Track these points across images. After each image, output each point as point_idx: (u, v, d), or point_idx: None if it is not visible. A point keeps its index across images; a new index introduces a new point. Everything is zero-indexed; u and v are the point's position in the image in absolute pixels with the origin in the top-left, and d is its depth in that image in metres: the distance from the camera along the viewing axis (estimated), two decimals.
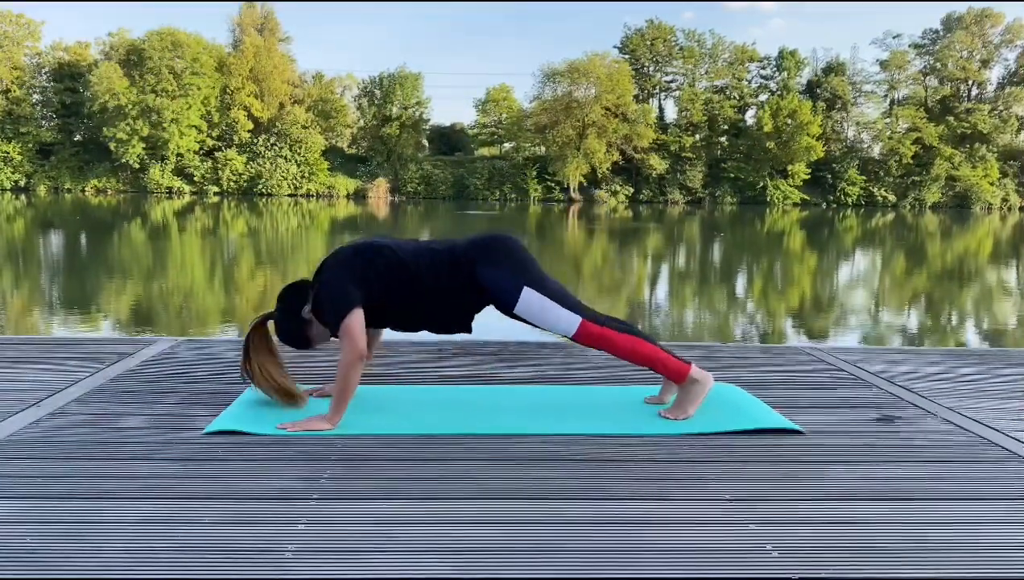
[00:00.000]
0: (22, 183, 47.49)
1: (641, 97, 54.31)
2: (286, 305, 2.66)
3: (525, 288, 2.58)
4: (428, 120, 55.13)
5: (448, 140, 57.02)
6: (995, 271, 16.99)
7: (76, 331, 7.69)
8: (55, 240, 19.51)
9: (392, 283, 2.57)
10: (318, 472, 2.10)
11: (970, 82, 54.31)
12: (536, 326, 2.64)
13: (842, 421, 2.69)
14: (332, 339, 2.68)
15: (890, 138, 52.66)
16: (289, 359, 3.45)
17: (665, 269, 16.37)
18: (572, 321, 2.58)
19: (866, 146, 54.81)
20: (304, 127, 49.89)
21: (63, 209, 32.31)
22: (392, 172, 51.34)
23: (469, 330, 2.74)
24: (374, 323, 2.68)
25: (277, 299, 2.69)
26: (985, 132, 52.18)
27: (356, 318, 2.49)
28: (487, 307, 2.71)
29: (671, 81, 55.93)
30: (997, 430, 2.61)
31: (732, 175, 52.09)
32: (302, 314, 2.63)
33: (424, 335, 3.46)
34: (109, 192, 47.52)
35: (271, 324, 2.70)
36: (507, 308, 2.62)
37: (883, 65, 54.38)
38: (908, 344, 8.14)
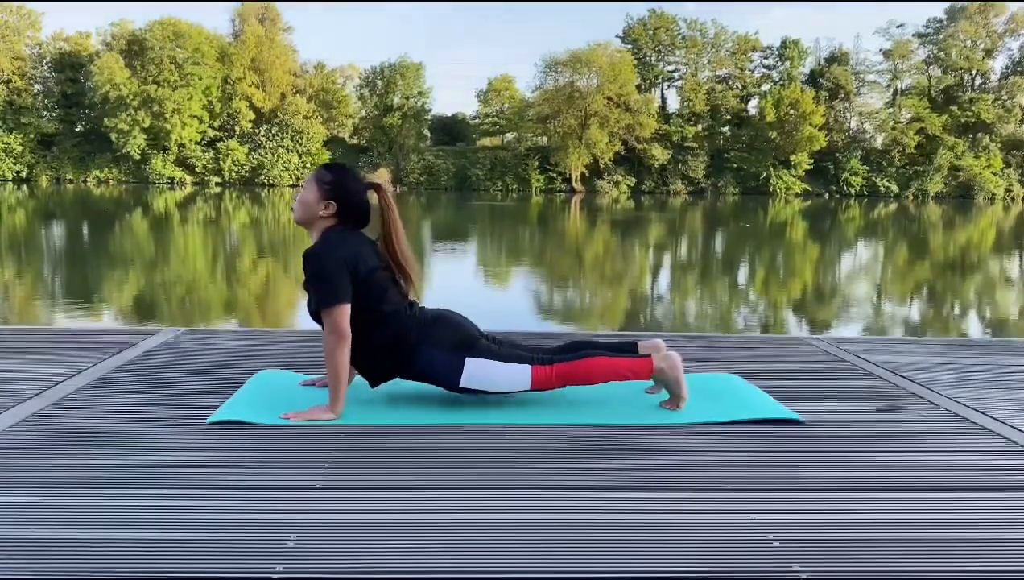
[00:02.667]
0: (24, 174, 47.49)
1: (643, 87, 54.14)
2: (344, 184, 2.59)
3: (467, 360, 2.55)
4: (430, 110, 55.04)
5: (450, 130, 56.91)
6: (998, 261, 16.96)
7: (78, 322, 7.70)
8: (57, 231, 19.53)
9: (361, 301, 2.52)
10: (320, 462, 2.10)
11: (974, 72, 54.08)
12: (489, 392, 2.59)
13: (844, 411, 2.69)
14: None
15: (893, 128, 52.49)
16: (294, 350, 3.46)
17: (670, 259, 16.35)
18: (522, 374, 2.56)
19: (869, 136, 54.66)
20: (306, 117, 49.82)
21: (65, 200, 32.32)
22: (394, 162, 51.28)
23: (373, 385, 2.67)
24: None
25: (338, 192, 2.58)
26: (988, 122, 51.99)
27: (343, 315, 2.47)
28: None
29: (674, 71, 55.77)
30: (1000, 420, 2.61)
31: (735, 165, 51.98)
32: (319, 209, 2.56)
33: None
34: (111, 183, 47.51)
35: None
36: (452, 385, 2.57)
37: (886, 54, 54.16)
38: (910, 334, 8.14)
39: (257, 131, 49.56)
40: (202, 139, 48.93)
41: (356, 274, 2.51)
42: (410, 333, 2.57)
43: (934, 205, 44.78)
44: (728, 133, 53.81)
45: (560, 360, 2.59)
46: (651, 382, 2.91)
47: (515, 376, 2.56)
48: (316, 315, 2.54)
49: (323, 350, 2.50)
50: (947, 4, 53.77)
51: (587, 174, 51.51)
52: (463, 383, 2.57)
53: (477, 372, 2.56)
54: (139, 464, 2.06)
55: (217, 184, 48.33)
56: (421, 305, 2.70)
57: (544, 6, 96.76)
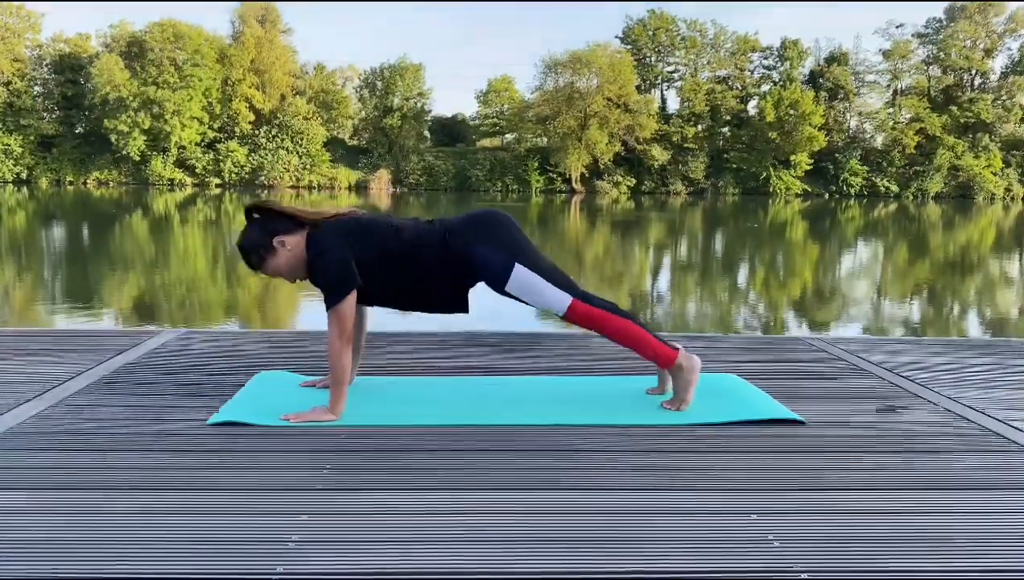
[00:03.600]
0: (24, 175, 47.48)
1: (643, 87, 54.16)
2: (265, 220, 2.60)
3: (516, 265, 2.57)
4: (429, 111, 55.04)
5: (450, 131, 56.90)
6: (997, 261, 16.96)
7: (79, 323, 7.70)
8: (58, 232, 19.53)
9: (386, 260, 2.56)
10: (321, 463, 2.11)
11: (973, 71, 54.08)
12: (527, 303, 2.63)
13: (844, 411, 2.69)
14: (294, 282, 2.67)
15: (893, 128, 52.50)
16: (295, 351, 3.46)
17: (670, 259, 16.36)
18: (563, 299, 2.58)
19: (869, 136, 54.66)
20: (306, 118, 49.82)
21: (65, 201, 32.32)
22: (394, 163, 51.28)
23: (465, 309, 2.71)
24: (366, 301, 2.68)
25: (266, 212, 2.61)
26: (988, 122, 51.99)
27: (349, 302, 2.49)
28: (485, 297, 2.70)
29: (673, 71, 55.77)
30: (1000, 420, 2.61)
31: (734, 165, 51.99)
32: (272, 240, 2.57)
33: (427, 325, 3.46)
34: (111, 184, 47.51)
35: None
36: (498, 285, 2.61)
37: (886, 55, 54.17)
38: (910, 334, 8.14)
39: (257, 132, 49.56)
40: (202, 140, 48.94)
41: (354, 244, 2.52)
42: (448, 238, 2.59)
43: (934, 205, 44.77)
44: (728, 133, 53.82)
45: (599, 306, 2.61)
46: (654, 383, 2.92)
47: (555, 298, 2.59)
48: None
49: (327, 351, 2.50)
50: (946, 4, 53.79)
51: (587, 175, 51.51)
52: (508, 287, 2.59)
53: (523, 281, 2.58)
54: (140, 465, 2.06)
55: (217, 185, 48.33)
56: (445, 217, 2.73)
57: (544, 7, 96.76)
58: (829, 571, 1.56)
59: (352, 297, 2.50)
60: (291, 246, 2.58)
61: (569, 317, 2.61)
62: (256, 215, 2.63)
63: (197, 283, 11.13)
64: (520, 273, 2.57)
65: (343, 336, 2.48)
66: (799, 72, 53.93)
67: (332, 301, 2.49)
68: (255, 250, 2.60)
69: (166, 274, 11.89)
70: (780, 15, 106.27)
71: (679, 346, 2.68)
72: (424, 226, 2.66)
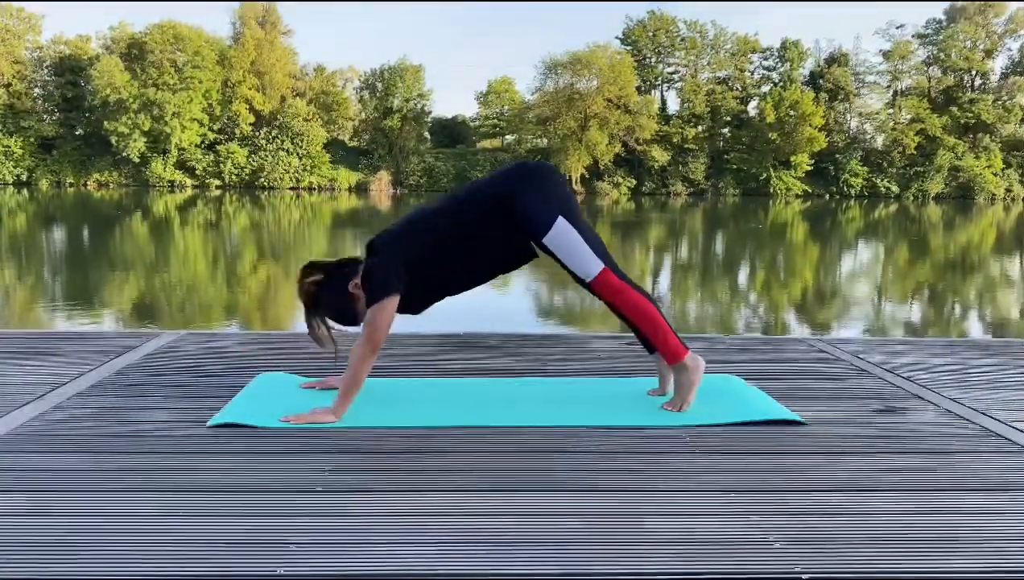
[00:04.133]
0: (24, 177, 47.49)
1: (643, 88, 54.18)
2: (333, 276, 2.60)
3: (560, 218, 2.56)
4: (430, 112, 55.07)
5: (450, 132, 56.92)
6: (998, 262, 16.96)
7: (80, 325, 7.70)
8: (58, 234, 19.53)
9: (443, 244, 2.56)
10: (322, 465, 2.10)
11: (973, 72, 54.09)
12: (559, 260, 2.60)
13: (844, 412, 2.69)
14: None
15: (893, 129, 52.52)
16: (296, 352, 3.46)
17: (671, 260, 16.36)
18: (595, 265, 2.57)
19: (869, 137, 54.68)
20: (306, 120, 49.84)
21: (65, 203, 32.33)
22: (394, 164, 51.29)
23: (534, 254, 2.67)
24: (442, 293, 2.68)
25: (324, 272, 2.62)
26: (989, 122, 52.00)
27: (388, 308, 2.48)
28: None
29: (673, 72, 55.79)
30: (1000, 421, 2.61)
31: (735, 166, 52.00)
32: (348, 287, 2.58)
33: (427, 327, 3.46)
34: (111, 186, 47.52)
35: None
36: (537, 234, 2.57)
37: (886, 55, 54.20)
38: (910, 335, 8.14)
39: (257, 134, 49.58)
40: (202, 142, 48.95)
41: (407, 241, 2.55)
42: (503, 184, 2.60)
43: (934, 206, 44.77)
44: (728, 134, 53.84)
45: (628, 283, 2.61)
46: (654, 384, 2.92)
47: (588, 262, 2.57)
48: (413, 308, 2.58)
49: (351, 354, 2.49)
50: (946, 4, 53.81)
51: (587, 176, 51.51)
52: (546, 239, 2.56)
53: (562, 236, 2.56)
54: (140, 467, 2.06)
55: (217, 187, 48.35)
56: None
57: (544, 8, 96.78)
58: (830, 572, 1.55)
59: (390, 305, 2.48)
60: (357, 292, 2.58)
61: (596, 285, 2.58)
62: (314, 277, 2.60)
63: (197, 285, 11.13)
64: (562, 227, 2.55)
65: (371, 343, 2.47)
66: (799, 73, 53.94)
67: (369, 303, 2.49)
68: (344, 311, 2.60)
69: (166, 276, 11.89)
70: (780, 16, 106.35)
71: (689, 347, 2.68)
72: (468, 191, 2.65)
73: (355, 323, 2.63)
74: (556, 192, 2.61)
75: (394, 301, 2.50)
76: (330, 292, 2.60)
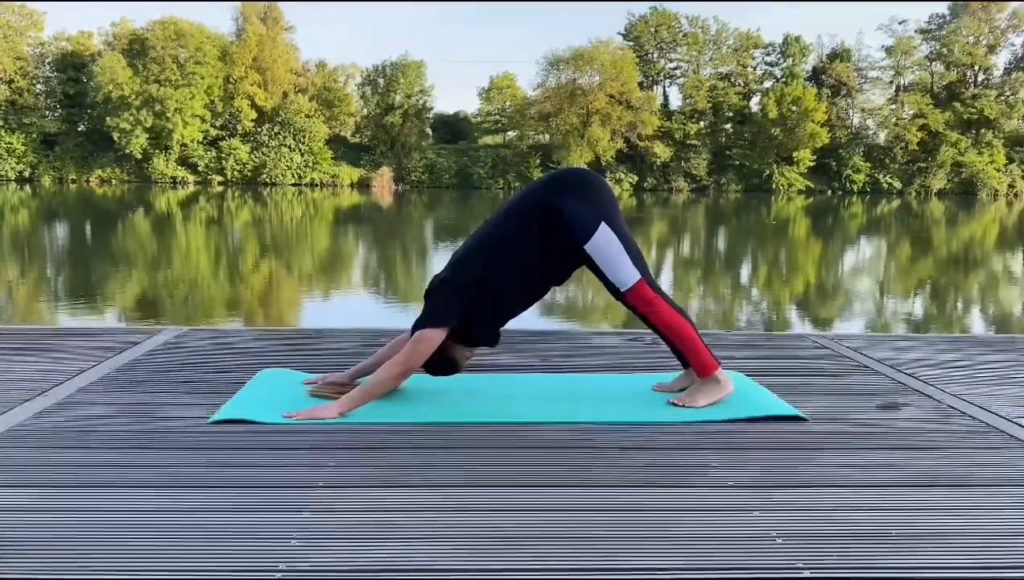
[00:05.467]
0: (26, 174, 47.50)
1: (645, 84, 54.06)
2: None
3: (603, 224, 2.55)
4: (431, 108, 54.97)
5: (452, 128, 56.83)
6: (1001, 258, 16.93)
7: (82, 320, 7.71)
8: (60, 230, 19.55)
9: (502, 267, 2.57)
10: (324, 460, 2.10)
11: (976, 67, 53.93)
12: (596, 267, 2.59)
13: (847, 408, 2.69)
14: (466, 353, 2.71)
15: (896, 124, 52.37)
16: (298, 349, 3.46)
17: (673, 256, 16.35)
18: (632, 274, 2.57)
19: (871, 133, 54.52)
20: (308, 116, 49.78)
21: (68, 199, 32.36)
22: (396, 161, 51.24)
23: (580, 260, 2.65)
24: (504, 313, 2.68)
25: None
26: (991, 118, 51.85)
27: (433, 338, 2.51)
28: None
29: (675, 68, 55.66)
30: (1002, 417, 2.60)
31: (737, 162, 51.90)
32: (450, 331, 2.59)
33: None
34: (113, 182, 47.54)
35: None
36: (579, 240, 2.56)
37: (889, 51, 54.02)
38: (913, 331, 8.13)
39: (259, 130, 49.53)
40: (204, 138, 48.90)
41: (470, 279, 2.56)
42: (544, 194, 2.59)
43: (937, 201, 44.69)
44: (730, 130, 53.72)
45: (663, 297, 2.61)
46: (658, 379, 2.91)
47: (625, 271, 2.57)
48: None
49: (391, 361, 2.52)
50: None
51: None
52: (588, 245, 2.56)
53: (604, 243, 2.56)
54: (142, 463, 2.06)
55: (219, 183, 48.33)
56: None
57: (546, 4, 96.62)
58: (832, 568, 1.55)
59: (436, 336, 2.50)
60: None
61: (630, 295, 2.58)
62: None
63: (199, 281, 11.14)
64: (604, 233, 2.55)
65: (406, 366, 2.51)
66: (801, 68, 53.79)
67: (421, 323, 2.52)
68: (439, 365, 2.64)
69: (168, 272, 11.90)
70: (782, 11, 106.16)
71: (720, 363, 2.68)
72: (509, 203, 2.65)
73: (457, 369, 2.69)
74: (598, 198, 2.60)
75: (440, 333, 2.51)
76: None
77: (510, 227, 2.60)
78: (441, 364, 2.65)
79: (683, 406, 2.62)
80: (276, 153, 49.29)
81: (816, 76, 53.49)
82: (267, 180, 48.99)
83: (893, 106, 53.78)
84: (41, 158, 47.90)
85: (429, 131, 55.30)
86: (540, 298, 2.75)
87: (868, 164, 52.09)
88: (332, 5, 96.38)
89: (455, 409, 2.58)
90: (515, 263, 2.59)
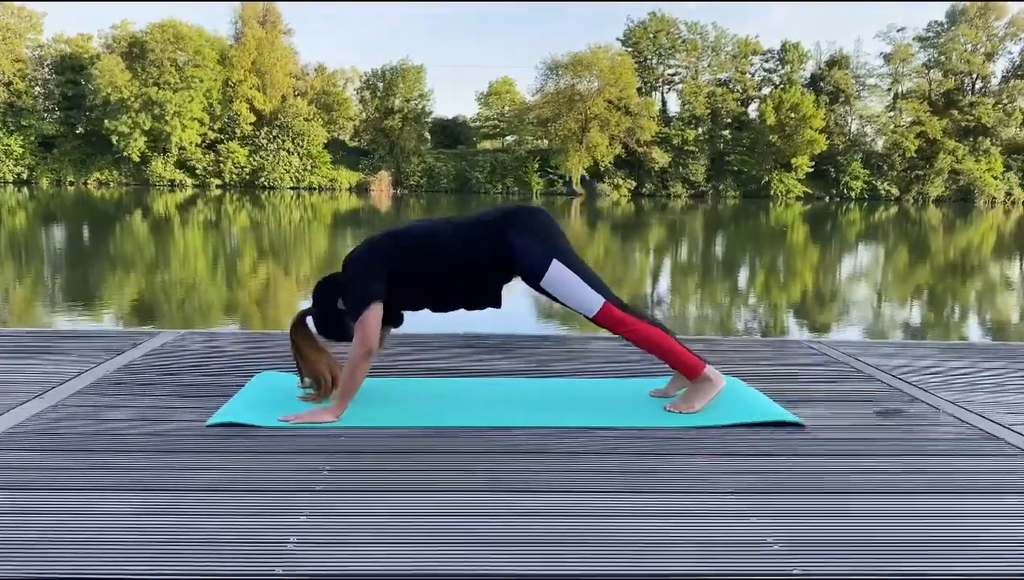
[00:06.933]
0: (24, 176, 47.46)
1: (644, 90, 54.15)
2: (321, 299, 2.66)
3: (555, 261, 2.58)
4: (430, 113, 55.01)
5: (450, 133, 56.88)
6: (998, 265, 16.96)
7: (79, 323, 7.70)
8: (58, 233, 19.53)
9: (418, 266, 2.58)
10: (320, 464, 2.10)
11: (974, 75, 54.06)
12: (559, 301, 2.63)
13: (843, 414, 2.69)
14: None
15: (893, 132, 52.48)
16: (285, 347, 3.46)
17: (671, 262, 16.36)
18: (596, 300, 2.59)
19: (869, 140, 54.63)
20: (306, 120, 49.81)
21: (66, 202, 32.33)
22: (394, 165, 51.26)
23: (498, 305, 2.73)
24: (406, 306, 2.72)
25: (312, 295, 2.69)
26: (989, 126, 51.97)
27: (373, 313, 2.49)
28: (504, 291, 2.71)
29: (674, 74, 55.76)
30: (1000, 424, 2.61)
31: (735, 168, 51.98)
32: (337, 307, 2.63)
33: (427, 326, 3.46)
34: (111, 185, 47.52)
35: (310, 320, 2.69)
36: (534, 280, 2.61)
37: (887, 58, 54.17)
38: (910, 338, 8.14)
39: (258, 133, 49.54)
40: (202, 141, 48.91)
41: (388, 252, 2.56)
42: (493, 227, 2.62)
43: (934, 209, 44.77)
44: (728, 136, 53.80)
45: (631, 314, 2.62)
46: (655, 385, 2.92)
47: (589, 299, 2.59)
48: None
49: (349, 355, 2.50)
50: (948, 6, 53.79)
51: (587, 177, 51.49)
52: (543, 283, 2.60)
53: (559, 278, 2.59)
54: (139, 466, 2.06)
55: (217, 186, 48.33)
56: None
57: (545, 9, 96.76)
58: (828, 574, 1.56)
59: (375, 311, 2.49)
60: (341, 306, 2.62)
61: (599, 319, 2.60)
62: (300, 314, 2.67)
63: (196, 284, 11.13)
64: (557, 269, 2.58)
65: (364, 347, 2.48)
66: (800, 75, 53.93)
67: (353, 315, 2.51)
68: (336, 328, 2.64)
69: (165, 275, 11.89)
70: (780, 18, 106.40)
71: (707, 361, 2.68)
72: (458, 224, 2.67)
73: (346, 337, 2.64)
74: (547, 236, 2.64)
75: (378, 307, 2.51)
76: (322, 313, 2.64)
77: (460, 236, 2.62)
78: (336, 330, 2.63)
79: (680, 412, 2.62)
80: (274, 157, 49.30)
81: (814, 83, 53.61)
82: (265, 183, 48.98)
83: (891, 113, 53.92)
84: (39, 160, 47.87)
85: (428, 135, 55.33)
86: (445, 310, 2.74)
87: (866, 171, 52.19)
88: (332, 8, 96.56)
89: (452, 414, 2.57)
90: (447, 262, 2.61)
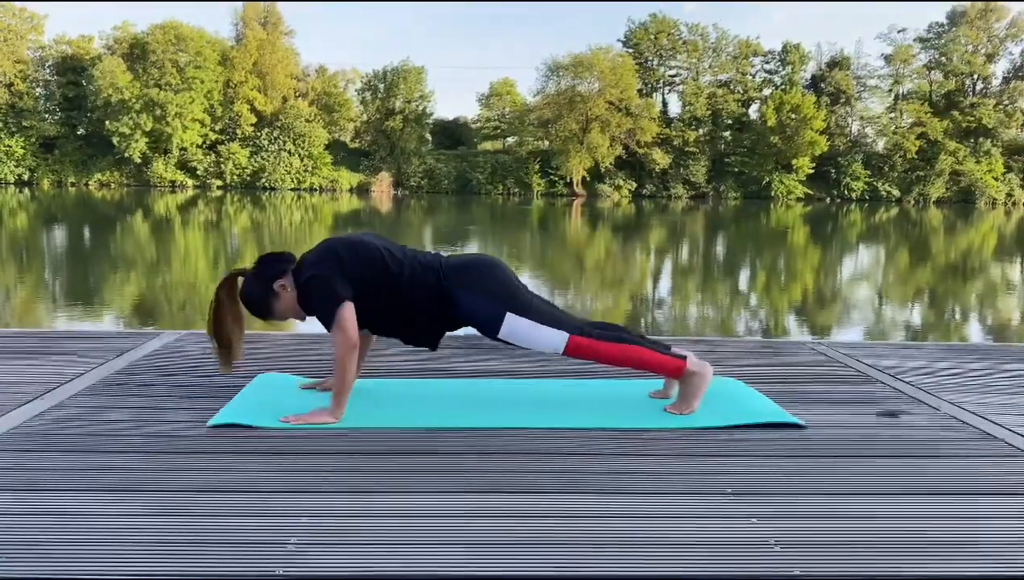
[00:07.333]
0: (25, 177, 47.49)
1: (645, 91, 54.17)
2: (261, 270, 2.61)
3: (508, 314, 2.57)
4: (431, 114, 55.04)
5: (451, 134, 56.91)
6: (999, 266, 16.95)
7: (80, 325, 7.70)
8: (59, 234, 19.54)
9: (373, 285, 2.55)
10: (321, 465, 2.10)
11: (975, 76, 54.06)
12: (523, 348, 2.64)
13: (844, 415, 2.69)
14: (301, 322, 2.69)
15: (894, 133, 52.48)
16: (296, 353, 3.46)
17: (673, 263, 16.35)
18: (559, 339, 2.58)
19: (870, 141, 54.62)
20: (307, 121, 49.84)
21: (67, 203, 32.35)
22: (395, 166, 51.29)
23: (434, 348, 2.72)
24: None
25: (256, 261, 2.64)
26: (990, 127, 51.97)
27: (347, 311, 2.49)
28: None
29: (675, 75, 55.78)
30: (1000, 425, 2.60)
31: (736, 169, 51.98)
32: (272, 285, 2.59)
33: None
34: (112, 186, 47.54)
35: (241, 282, 2.65)
36: (491, 334, 2.61)
37: (888, 59, 54.17)
38: (911, 339, 8.13)
39: (259, 134, 49.58)
40: (203, 142, 48.95)
41: (344, 264, 2.52)
42: (442, 281, 2.59)
43: (935, 210, 44.76)
44: (729, 137, 53.80)
45: (597, 336, 2.61)
46: (657, 386, 2.91)
47: (551, 339, 2.58)
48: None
49: (333, 354, 2.50)
50: (949, 6, 53.80)
51: (588, 178, 51.51)
52: (500, 335, 2.59)
53: (515, 328, 2.58)
54: (140, 466, 2.06)
55: (218, 187, 48.36)
56: (443, 254, 2.73)
57: (546, 9, 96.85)
58: (829, 575, 1.55)
59: (347, 310, 2.48)
60: (291, 286, 2.59)
61: (569, 353, 2.61)
62: (238, 273, 2.64)
63: (197, 285, 11.13)
64: (511, 321, 2.57)
65: (347, 343, 2.47)
66: (801, 76, 53.93)
67: (327, 318, 2.49)
68: (259, 301, 2.61)
69: (166, 276, 11.89)
70: (781, 19, 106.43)
71: (687, 354, 2.67)
72: (420, 260, 2.64)
73: (264, 316, 2.63)
74: (498, 287, 2.60)
75: (349, 306, 2.49)
76: (254, 282, 2.60)
77: (410, 273, 2.58)
78: (258, 305, 2.61)
79: (680, 414, 2.62)
80: (275, 158, 49.33)
81: (815, 84, 53.62)
82: (266, 184, 49.00)
83: (892, 114, 53.91)
84: (40, 161, 47.91)
85: (428, 136, 55.36)
86: (383, 335, 2.72)
87: (867, 172, 52.19)
88: (332, 9, 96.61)
89: (453, 414, 2.57)
90: (393, 293, 2.56)
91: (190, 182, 48.67)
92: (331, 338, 2.50)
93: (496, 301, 2.58)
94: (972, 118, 51.94)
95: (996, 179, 51.91)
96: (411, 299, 2.59)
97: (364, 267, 2.55)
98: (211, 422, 2.43)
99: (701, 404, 2.67)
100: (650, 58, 54.79)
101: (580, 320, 2.69)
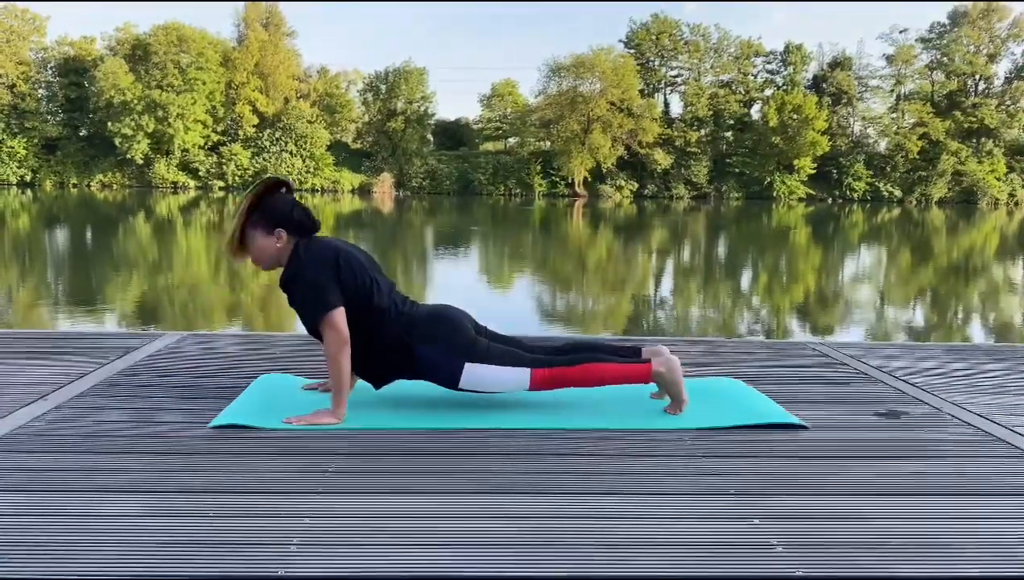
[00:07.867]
0: (28, 178, 47.57)
1: (646, 92, 54.18)
2: (292, 206, 2.57)
3: (466, 366, 2.57)
4: (433, 115, 55.11)
5: (453, 135, 56.96)
6: (1001, 266, 16.93)
7: (80, 326, 7.71)
8: (61, 235, 19.56)
9: (351, 305, 2.53)
10: (323, 465, 2.10)
11: (977, 76, 54.04)
12: (488, 393, 2.63)
13: (847, 416, 2.69)
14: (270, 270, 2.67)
15: (896, 133, 52.47)
16: (297, 354, 3.46)
17: (674, 263, 16.35)
18: (521, 377, 2.58)
19: (872, 141, 54.62)
20: (309, 122, 49.91)
21: (69, 204, 32.39)
22: (397, 167, 51.33)
23: (378, 387, 2.70)
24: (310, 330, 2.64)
25: (303, 204, 2.59)
26: (992, 127, 51.95)
27: (338, 314, 2.48)
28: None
29: (676, 76, 55.82)
30: (1003, 426, 2.60)
31: (737, 170, 51.99)
32: (275, 229, 2.56)
33: None
34: (114, 187, 47.60)
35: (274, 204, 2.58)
36: (451, 386, 2.61)
37: (889, 60, 54.16)
38: (913, 339, 8.13)
39: (260, 135, 49.65)
40: (205, 143, 49.03)
41: (340, 276, 2.52)
42: (405, 333, 2.58)
43: (937, 210, 44.73)
44: (731, 138, 53.83)
45: (559, 363, 2.60)
46: (655, 386, 2.91)
47: (514, 379, 2.59)
48: (313, 330, 2.55)
49: (325, 355, 2.50)
50: (950, 6, 53.76)
51: (589, 178, 51.53)
52: (462, 386, 2.60)
53: (475, 376, 2.58)
54: (142, 468, 2.06)
55: (220, 188, 48.41)
56: (414, 301, 2.71)
57: (548, 10, 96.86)
58: (832, 576, 1.55)
59: (337, 315, 2.48)
60: (283, 243, 2.58)
61: (535, 387, 2.60)
62: (283, 191, 2.61)
63: (199, 286, 11.14)
64: (470, 371, 2.57)
65: (339, 340, 2.47)
66: (802, 77, 53.93)
67: (318, 315, 2.48)
68: (269, 211, 2.55)
69: (167, 277, 11.90)
70: (782, 19, 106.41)
71: (651, 356, 2.66)
72: (399, 305, 2.62)
73: (250, 227, 2.57)
74: (456, 339, 2.58)
75: (341, 311, 2.48)
76: (281, 201, 2.57)
77: (385, 335, 2.57)
78: (266, 215, 2.56)
79: (677, 414, 2.63)
80: (277, 158, 49.40)
81: (817, 84, 53.61)
82: None
83: (894, 115, 53.90)
84: (42, 162, 48.01)
85: (430, 137, 55.40)
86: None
87: (869, 172, 52.17)
88: (334, 10, 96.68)
89: (452, 415, 2.57)
90: (361, 318, 2.55)
91: (192, 183, 48.73)
92: (323, 337, 2.50)
93: (451, 353, 2.57)
94: (974, 118, 51.91)
95: (998, 179, 51.89)
96: (379, 336, 2.58)
97: (354, 285, 2.54)
98: (213, 423, 2.43)
99: (703, 405, 2.68)
100: (652, 58, 54.80)
101: (540, 349, 2.68)
